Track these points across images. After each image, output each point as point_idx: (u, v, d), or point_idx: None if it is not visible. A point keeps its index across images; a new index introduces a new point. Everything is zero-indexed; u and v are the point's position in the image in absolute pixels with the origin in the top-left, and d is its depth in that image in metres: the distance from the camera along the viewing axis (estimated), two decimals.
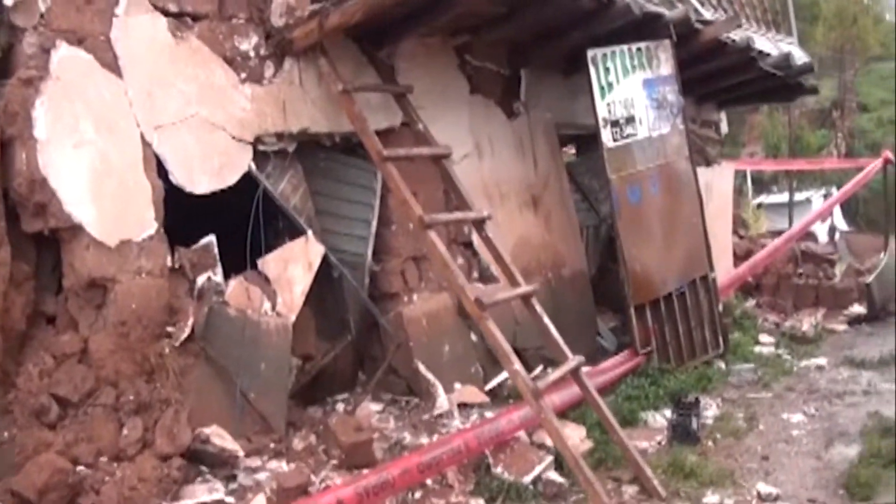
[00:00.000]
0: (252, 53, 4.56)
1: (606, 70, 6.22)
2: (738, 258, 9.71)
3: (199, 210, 4.80)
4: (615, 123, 6.24)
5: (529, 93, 6.66)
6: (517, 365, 4.12)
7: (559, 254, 6.68)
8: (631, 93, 6.37)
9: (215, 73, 4.32)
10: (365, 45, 5.13)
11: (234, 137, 4.40)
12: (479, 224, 4.94)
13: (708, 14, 7.98)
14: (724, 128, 10.10)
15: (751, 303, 9.19)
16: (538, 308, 4.68)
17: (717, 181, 9.08)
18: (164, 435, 3.73)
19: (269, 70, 4.62)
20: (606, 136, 6.17)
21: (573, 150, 9.05)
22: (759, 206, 25.74)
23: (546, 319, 4.64)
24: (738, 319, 8.11)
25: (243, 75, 4.48)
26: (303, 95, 4.77)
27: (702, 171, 8.75)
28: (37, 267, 3.99)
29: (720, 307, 7.06)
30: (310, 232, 4.78)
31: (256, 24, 4.61)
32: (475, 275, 5.97)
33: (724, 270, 8.83)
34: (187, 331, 4.06)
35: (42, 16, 3.70)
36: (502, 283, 5.98)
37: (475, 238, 5.94)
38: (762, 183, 30.25)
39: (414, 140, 5.17)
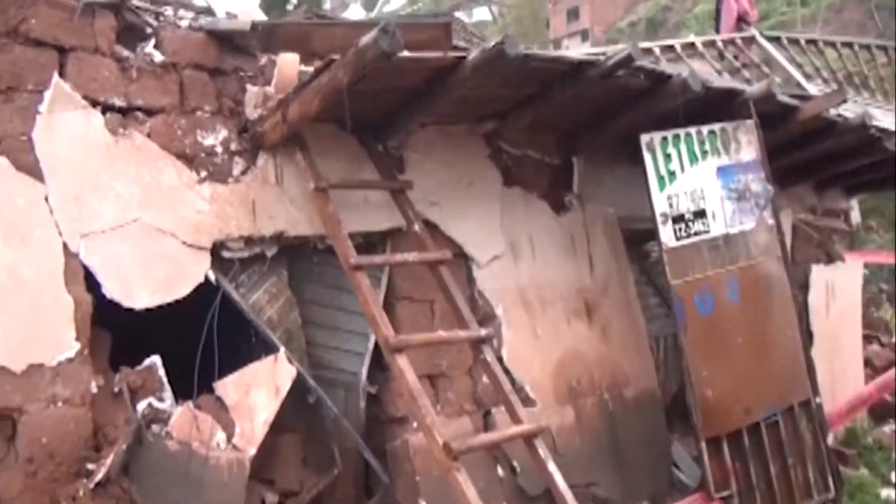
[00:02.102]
0: (219, 149, 4.08)
1: (667, 157, 5.31)
2: (877, 371, 8.15)
3: (162, 323, 4.32)
4: (679, 219, 5.27)
5: (585, 183, 5.82)
6: None
7: (620, 370, 5.67)
8: (700, 183, 5.39)
9: (164, 173, 3.85)
10: (363, 135, 4.55)
11: (185, 243, 3.89)
12: (478, 344, 4.12)
13: (814, 89, 6.91)
14: (856, 216, 8.70)
15: (888, 428, 7.59)
16: (542, 452, 3.76)
17: (842, 280, 7.71)
18: None
19: (237, 167, 4.12)
20: (666, 234, 5.21)
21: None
22: None
23: (552, 466, 3.71)
24: (864, 452, 6.64)
25: (204, 173, 4.00)
26: (279, 194, 4.23)
27: (822, 270, 7.52)
28: None
29: (829, 439, 5.74)
30: (281, 350, 4.14)
31: (227, 117, 4.14)
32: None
33: (852, 388, 7.40)
34: (104, 469, 3.49)
35: None
36: (539, 406, 5.11)
37: (505, 353, 5.12)
38: None
39: (413, 243, 4.48)
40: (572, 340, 5.46)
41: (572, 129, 5.62)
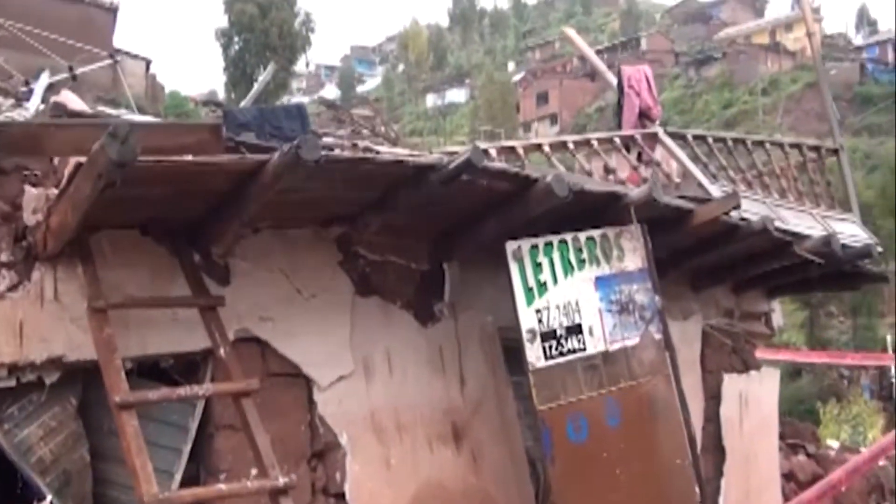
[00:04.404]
0: None
1: (537, 266, 4.82)
2: (801, 486, 7.57)
3: None
4: (550, 335, 4.75)
5: (460, 291, 5.29)
6: None
7: (492, 503, 5.04)
8: (575, 295, 4.90)
9: None
10: (177, 243, 4.02)
11: None
12: (276, 496, 3.50)
13: (718, 190, 6.56)
14: (778, 319, 8.24)
15: None
16: None
17: (758, 389, 7.19)
18: None
19: (4, 282, 3.55)
20: (534, 353, 4.67)
21: None
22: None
23: None
24: None
25: None
26: (57, 313, 3.65)
27: (735, 379, 7.02)
28: None
29: None
30: (48, 500, 3.51)
31: None
32: None
33: None
34: None
35: None
36: None
37: (349, 489, 4.50)
38: None
39: (219, 371, 3.90)
40: (434, 470, 4.84)
41: (444, 233, 5.14)
